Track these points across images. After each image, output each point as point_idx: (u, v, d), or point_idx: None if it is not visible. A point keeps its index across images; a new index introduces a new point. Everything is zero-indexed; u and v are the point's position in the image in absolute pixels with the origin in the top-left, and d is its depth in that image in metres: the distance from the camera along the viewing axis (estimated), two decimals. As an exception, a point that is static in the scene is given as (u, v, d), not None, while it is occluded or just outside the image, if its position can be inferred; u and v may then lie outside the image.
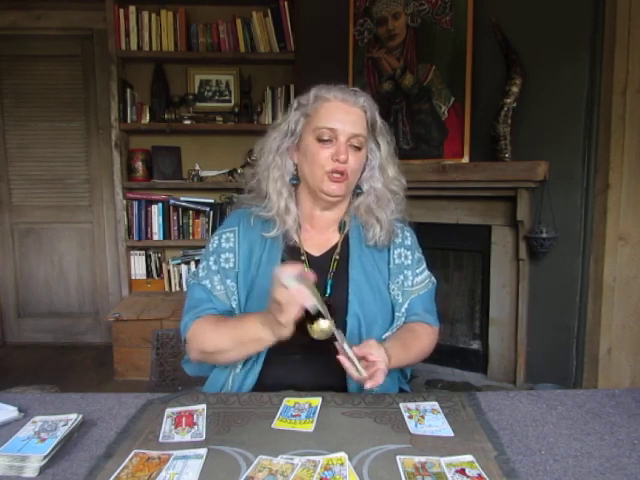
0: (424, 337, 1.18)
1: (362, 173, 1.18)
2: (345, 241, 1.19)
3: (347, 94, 1.12)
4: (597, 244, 2.20)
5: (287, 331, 0.96)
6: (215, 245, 1.18)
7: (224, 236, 1.18)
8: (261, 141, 1.18)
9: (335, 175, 1.10)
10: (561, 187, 2.18)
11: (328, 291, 1.13)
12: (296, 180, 1.17)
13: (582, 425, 0.89)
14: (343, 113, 1.10)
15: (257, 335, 1.01)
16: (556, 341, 2.27)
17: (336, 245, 1.19)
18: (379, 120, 1.16)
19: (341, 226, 1.21)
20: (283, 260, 1.14)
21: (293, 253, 1.15)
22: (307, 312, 1.09)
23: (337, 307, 1.11)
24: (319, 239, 1.19)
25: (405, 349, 1.09)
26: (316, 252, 1.18)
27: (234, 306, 1.14)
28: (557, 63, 2.16)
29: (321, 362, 1.10)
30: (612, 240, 2.16)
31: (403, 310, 1.17)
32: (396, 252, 1.20)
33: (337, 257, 1.17)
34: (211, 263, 1.17)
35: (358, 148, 1.12)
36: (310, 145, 1.12)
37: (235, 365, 1.13)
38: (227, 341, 1.06)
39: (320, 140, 1.10)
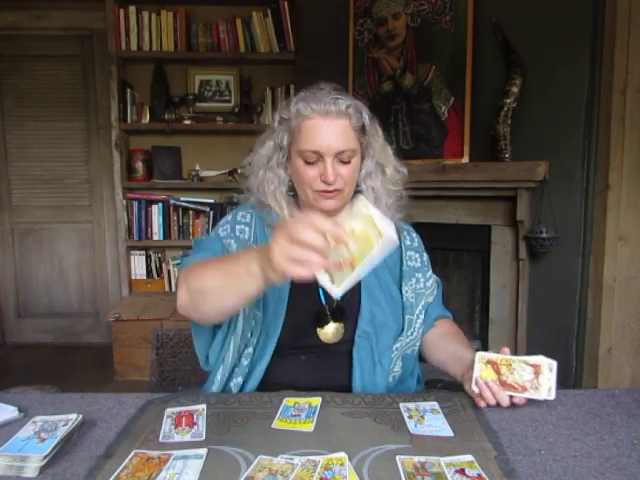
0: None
1: (359, 172, 1.15)
2: None
3: (328, 104, 1.04)
4: (597, 244, 2.19)
5: (276, 278, 0.77)
6: (229, 219, 1.14)
7: (240, 213, 1.15)
8: (249, 156, 1.16)
9: (325, 193, 1.08)
10: (561, 187, 2.17)
11: None
12: (292, 192, 1.16)
13: (582, 425, 0.89)
14: (325, 131, 1.04)
15: (247, 268, 0.82)
16: (556, 341, 2.27)
17: None
18: (368, 121, 1.10)
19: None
20: None
21: None
22: (316, 316, 1.10)
23: (349, 309, 1.11)
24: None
25: None
26: None
27: None
28: (557, 63, 2.15)
29: (327, 364, 1.10)
30: (612, 240, 2.15)
31: (417, 312, 1.17)
32: (407, 254, 1.20)
33: None
34: (220, 231, 1.11)
35: (348, 161, 1.08)
36: (297, 165, 1.08)
37: (235, 367, 1.11)
38: (213, 275, 0.89)
39: (306, 162, 1.07)
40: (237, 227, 1.12)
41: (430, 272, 1.25)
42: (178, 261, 3.36)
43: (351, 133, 1.07)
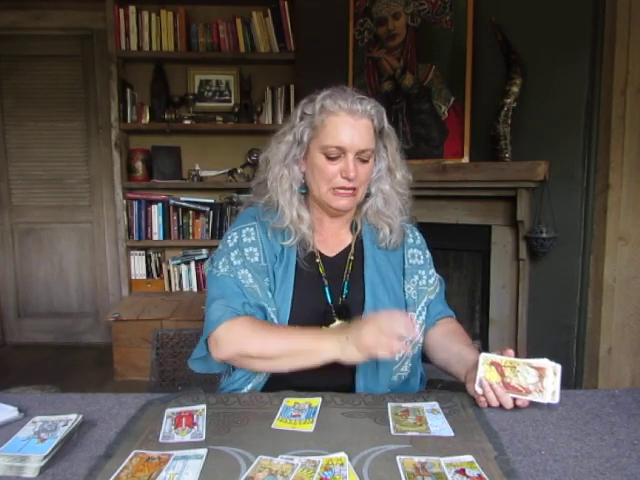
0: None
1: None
2: (359, 241, 1.20)
3: (354, 103, 1.07)
4: (597, 244, 2.19)
5: (361, 359, 0.94)
6: (235, 240, 1.13)
7: (244, 231, 1.14)
8: (265, 152, 1.16)
9: (342, 191, 1.10)
10: (561, 187, 2.17)
11: (345, 292, 1.13)
12: (305, 189, 1.16)
13: (582, 425, 0.89)
14: (351, 128, 1.07)
15: (319, 346, 0.98)
16: (556, 341, 2.27)
17: (350, 246, 1.19)
18: (386, 124, 1.14)
19: (353, 226, 1.21)
20: (297, 264, 1.13)
21: (308, 256, 1.14)
22: (323, 314, 1.10)
23: (354, 307, 1.11)
24: (332, 240, 1.20)
25: None
26: (330, 253, 1.18)
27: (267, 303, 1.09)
28: (557, 63, 2.15)
29: (332, 363, 1.10)
30: (612, 240, 2.15)
31: (420, 309, 1.18)
32: (409, 252, 1.21)
33: (352, 257, 1.17)
34: (232, 258, 1.11)
35: (366, 160, 1.11)
36: (317, 160, 1.10)
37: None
38: (278, 348, 1.01)
39: (328, 158, 1.09)
40: (246, 250, 1.11)
41: (433, 270, 1.25)
42: (178, 261, 3.36)
43: (372, 134, 1.11)
